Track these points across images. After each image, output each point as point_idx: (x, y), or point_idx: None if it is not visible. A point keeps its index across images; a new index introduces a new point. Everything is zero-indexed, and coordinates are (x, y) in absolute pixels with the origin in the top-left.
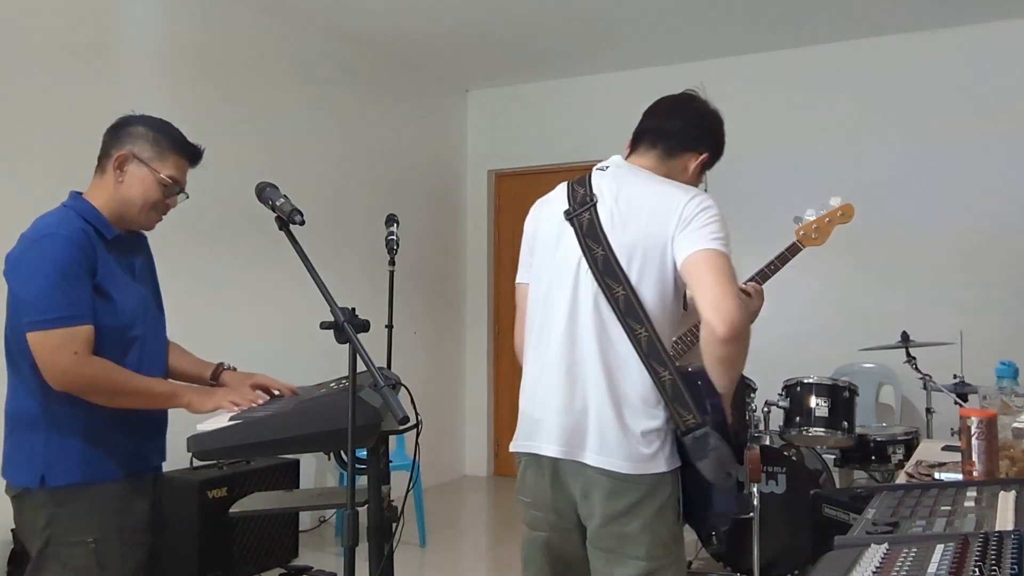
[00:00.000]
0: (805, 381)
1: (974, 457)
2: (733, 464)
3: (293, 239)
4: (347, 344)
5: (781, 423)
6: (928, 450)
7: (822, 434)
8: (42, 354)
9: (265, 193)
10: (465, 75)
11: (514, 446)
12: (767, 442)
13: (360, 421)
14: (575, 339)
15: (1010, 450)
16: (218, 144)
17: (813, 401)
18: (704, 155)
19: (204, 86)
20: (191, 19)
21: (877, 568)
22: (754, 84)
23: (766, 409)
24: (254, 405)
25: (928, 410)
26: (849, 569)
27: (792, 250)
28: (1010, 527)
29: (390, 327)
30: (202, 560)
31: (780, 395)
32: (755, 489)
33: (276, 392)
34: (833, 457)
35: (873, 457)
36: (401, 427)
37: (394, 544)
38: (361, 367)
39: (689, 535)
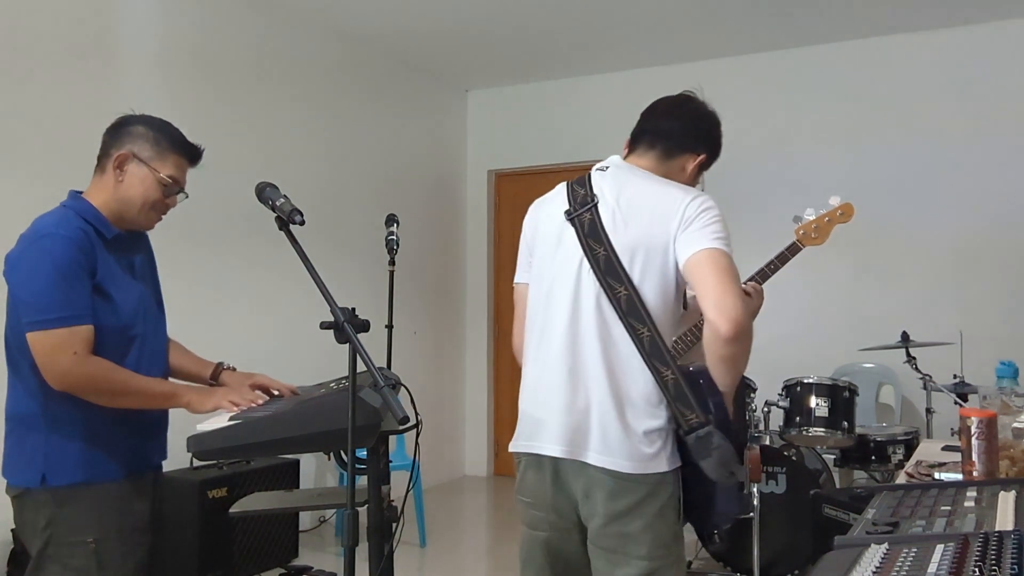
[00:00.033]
0: (805, 381)
1: (974, 457)
2: (736, 463)
3: (293, 239)
4: (347, 344)
5: (781, 423)
6: (928, 450)
7: (822, 434)
8: (42, 354)
9: (265, 193)
10: (465, 75)
11: (514, 446)
12: (767, 442)
13: (360, 421)
14: (577, 339)
15: (1010, 450)
16: (218, 144)
17: (813, 401)
18: (702, 156)
19: (204, 86)
20: (190, 19)
21: (877, 568)
22: (754, 84)
23: (766, 409)
24: (254, 405)
25: (928, 410)
26: (849, 569)
27: (792, 250)
28: (1010, 527)
29: (390, 327)
30: (202, 560)
31: (780, 395)
32: (755, 489)
33: (276, 392)
34: (833, 457)
35: (873, 457)
36: (401, 427)
37: (394, 544)
38: (361, 367)
39: (689, 535)
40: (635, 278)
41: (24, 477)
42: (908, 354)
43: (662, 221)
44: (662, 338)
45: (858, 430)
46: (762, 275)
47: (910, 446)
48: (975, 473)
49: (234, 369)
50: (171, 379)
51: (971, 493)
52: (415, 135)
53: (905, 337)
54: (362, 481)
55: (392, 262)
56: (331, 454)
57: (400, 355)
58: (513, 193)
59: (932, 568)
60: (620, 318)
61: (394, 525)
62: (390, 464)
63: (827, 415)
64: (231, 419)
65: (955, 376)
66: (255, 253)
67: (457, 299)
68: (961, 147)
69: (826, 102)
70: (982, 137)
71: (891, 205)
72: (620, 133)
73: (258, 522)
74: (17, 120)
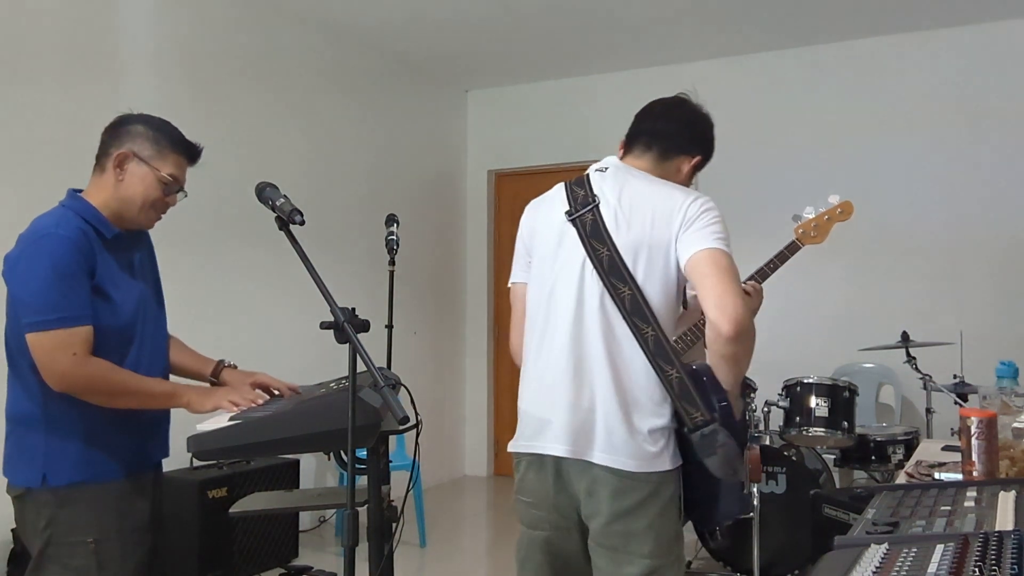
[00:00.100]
0: (805, 381)
1: (974, 457)
2: (740, 461)
3: (293, 239)
4: (347, 344)
5: (781, 423)
6: (928, 450)
7: (822, 434)
8: (41, 355)
9: (265, 193)
10: (465, 75)
11: (515, 446)
12: (767, 442)
13: (360, 421)
14: (581, 339)
15: (1010, 450)
16: (217, 144)
17: (813, 401)
18: (697, 158)
19: (203, 87)
20: (190, 21)
21: (877, 568)
22: (754, 84)
23: (766, 409)
24: (254, 405)
25: (928, 410)
26: (849, 569)
27: (791, 248)
28: (1010, 527)
29: (390, 327)
30: (202, 560)
31: (780, 395)
32: (755, 489)
33: (276, 391)
34: (833, 457)
35: (873, 457)
36: (401, 427)
37: (394, 544)
38: (361, 367)
39: (689, 535)
40: (639, 278)
41: (25, 477)
42: (908, 354)
43: (664, 221)
44: (666, 337)
45: (858, 430)
46: (762, 274)
47: (910, 446)
48: (975, 473)
49: (235, 367)
50: (172, 377)
51: (971, 493)
52: (415, 135)
53: (905, 337)
54: (362, 481)
55: (392, 262)
56: (331, 454)
57: (400, 355)
58: (513, 193)
59: (932, 568)
60: (624, 318)
61: (394, 525)
62: (390, 464)
63: (827, 415)
64: (231, 419)
65: (955, 376)
66: (255, 253)
67: (457, 299)
68: (961, 147)
69: (826, 102)
70: (982, 137)
71: (891, 205)
72: (620, 133)
73: (258, 522)
74: (16, 120)
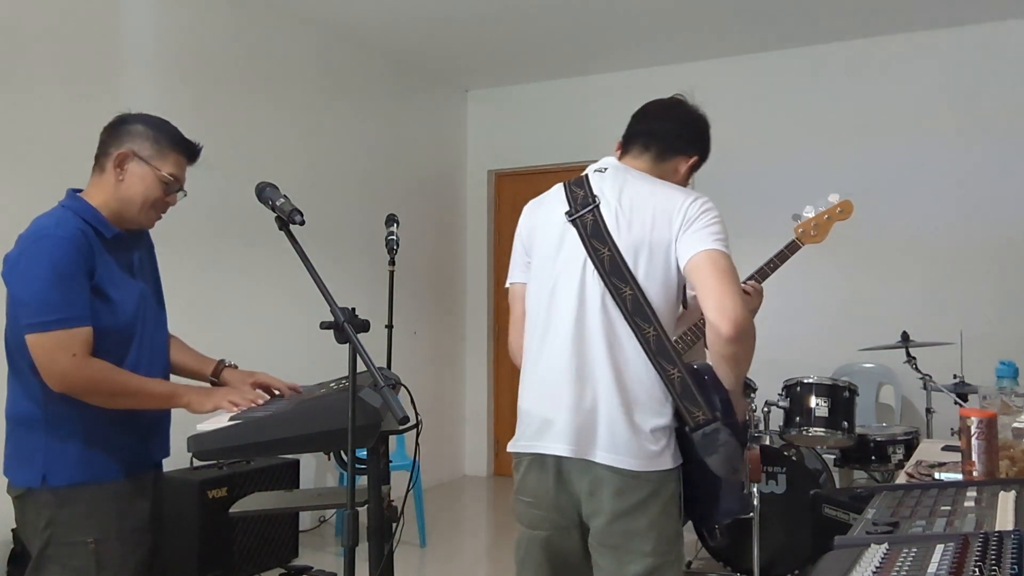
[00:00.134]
0: (805, 381)
1: (974, 457)
2: (741, 459)
3: (293, 239)
4: (347, 344)
5: (781, 423)
6: (928, 450)
7: (822, 434)
8: (41, 356)
9: (265, 193)
10: (465, 75)
11: (516, 446)
12: (767, 442)
13: (360, 421)
14: (583, 339)
15: (1010, 450)
16: (218, 144)
17: (813, 401)
18: (694, 158)
19: (203, 87)
20: (190, 21)
21: (877, 568)
22: (754, 84)
23: (766, 409)
24: (254, 405)
25: (928, 410)
26: (849, 569)
27: (791, 248)
28: (1010, 527)
29: (390, 327)
30: (202, 560)
31: (780, 395)
32: (755, 489)
33: (276, 391)
34: (833, 457)
35: (873, 457)
36: (401, 427)
37: (394, 544)
38: (361, 367)
39: (689, 535)
40: (640, 278)
41: (25, 477)
42: (908, 354)
43: (664, 221)
44: (667, 336)
45: (858, 430)
46: (761, 274)
47: (910, 446)
48: (975, 473)
49: (235, 367)
50: (172, 376)
51: (971, 493)
52: (415, 135)
53: (905, 337)
54: (362, 481)
55: (392, 262)
56: (331, 454)
57: (400, 355)
58: (513, 193)
59: (932, 568)
60: (625, 318)
61: (394, 525)
62: (390, 464)
63: (827, 415)
64: (231, 419)
65: (955, 376)
66: (255, 253)
67: (457, 299)
68: (961, 147)
69: (826, 102)
70: (982, 137)
71: (891, 205)
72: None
73: (258, 522)
74: (16, 120)
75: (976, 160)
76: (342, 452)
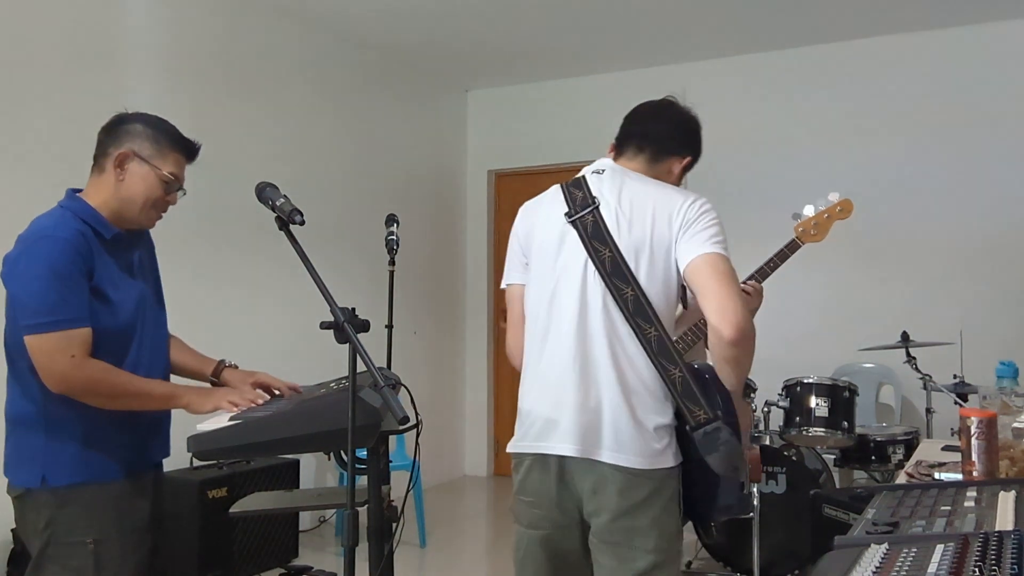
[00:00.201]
0: (805, 381)
1: (974, 457)
2: (741, 458)
3: (293, 239)
4: (347, 344)
5: (781, 423)
6: (928, 450)
7: (822, 434)
8: (39, 357)
9: (265, 193)
10: (465, 75)
11: (517, 447)
12: (767, 442)
13: (360, 421)
14: (586, 340)
15: (1010, 450)
16: (218, 144)
17: (813, 401)
18: (688, 158)
19: (205, 86)
20: (192, 20)
21: (877, 568)
22: (754, 84)
23: (766, 409)
24: (254, 405)
25: (928, 410)
26: (849, 569)
27: (791, 247)
28: (1010, 527)
29: (390, 327)
30: (202, 560)
31: (780, 395)
32: (755, 489)
33: (277, 391)
34: (833, 457)
35: (873, 457)
36: (401, 427)
37: (394, 544)
38: (361, 367)
39: (689, 535)
40: (641, 279)
41: (25, 478)
42: (908, 354)
43: (664, 222)
44: (669, 337)
45: (858, 430)
46: (761, 273)
47: (910, 446)
48: (975, 473)
49: (236, 367)
50: (172, 376)
51: (971, 493)
52: (415, 135)
53: (905, 337)
54: (362, 481)
55: (392, 262)
56: (331, 454)
57: (400, 355)
58: (513, 193)
59: (932, 568)
60: (627, 318)
61: (394, 525)
62: (390, 464)
63: (827, 415)
64: (231, 419)
65: (955, 376)
66: (255, 253)
67: (457, 299)
68: (961, 147)
69: (826, 102)
70: (982, 137)
71: (891, 205)
72: None
73: (258, 522)
74: (17, 120)
75: (976, 160)
76: (342, 452)
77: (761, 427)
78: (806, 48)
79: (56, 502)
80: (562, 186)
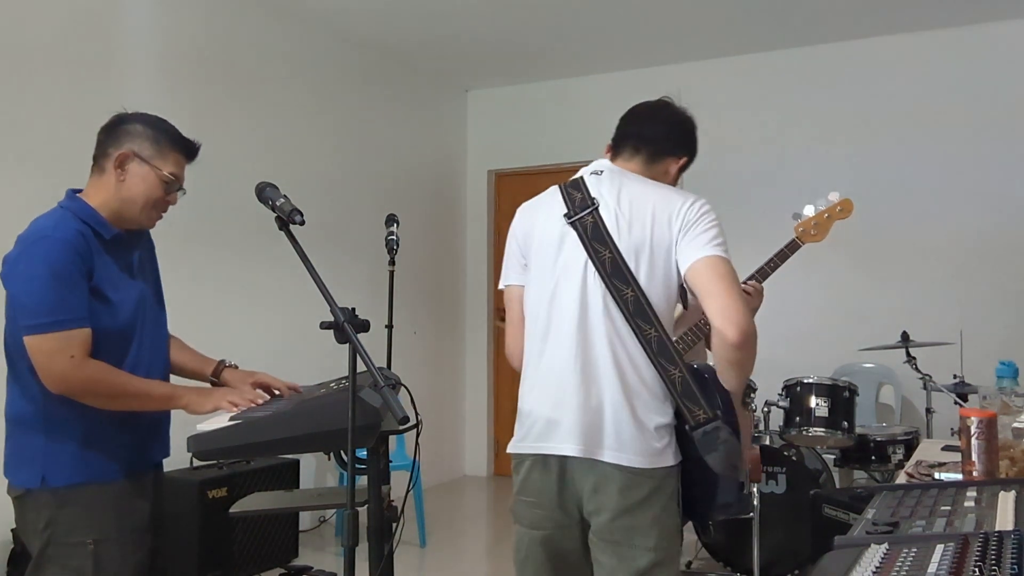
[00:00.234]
0: (805, 381)
1: (974, 457)
2: (740, 457)
3: (293, 239)
4: (347, 344)
5: (781, 423)
6: (928, 450)
7: (822, 434)
8: (39, 358)
9: (265, 193)
10: (465, 75)
11: (518, 447)
12: (767, 442)
13: (360, 421)
14: (587, 340)
15: (1010, 450)
16: (219, 144)
17: (813, 401)
18: (684, 159)
19: (204, 86)
20: (192, 20)
21: (877, 568)
22: (755, 84)
23: (766, 409)
24: (253, 405)
25: (928, 410)
26: (849, 569)
27: (791, 247)
28: (1010, 527)
29: (390, 327)
30: (202, 560)
31: (780, 395)
32: (755, 489)
33: (276, 391)
34: (833, 457)
35: (873, 457)
36: (401, 427)
37: (394, 544)
38: (361, 367)
39: (689, 535)
40: (641, 280)
41: (24, 478)
42: (908, 354)
43: (663, 223)
44: (668, 337)
45: (858, 430)
46: (762, 273)
47: (910, 446)
48: (975, 473)
49: (235, 367)
50: (172, 376)
51: (971, 493)
52: (415, 135)
53: (905, 337)
54: (362, 481)
55: (392, 262)
56: (331, 454)
57: (400, 355)
58: (513, 193)
59: (932, 568)
60: (627, 319)
61: (394, 525)
62: (390, 464)
63: (827, 415)
64: (231, 419)
65: (955, 376)
66: (256, 253)
67: (457, 299)
68: (961, 147)
69: (826, 102)
70: (982, 137)
71: (891, 205)
72: None
73: (258, 522)
74: (16, 120)
75: (976, 160)
76: (342, 452)
77: (761, 427)
78: (806, 48)
79: (56, 502)
80: (560, 187)
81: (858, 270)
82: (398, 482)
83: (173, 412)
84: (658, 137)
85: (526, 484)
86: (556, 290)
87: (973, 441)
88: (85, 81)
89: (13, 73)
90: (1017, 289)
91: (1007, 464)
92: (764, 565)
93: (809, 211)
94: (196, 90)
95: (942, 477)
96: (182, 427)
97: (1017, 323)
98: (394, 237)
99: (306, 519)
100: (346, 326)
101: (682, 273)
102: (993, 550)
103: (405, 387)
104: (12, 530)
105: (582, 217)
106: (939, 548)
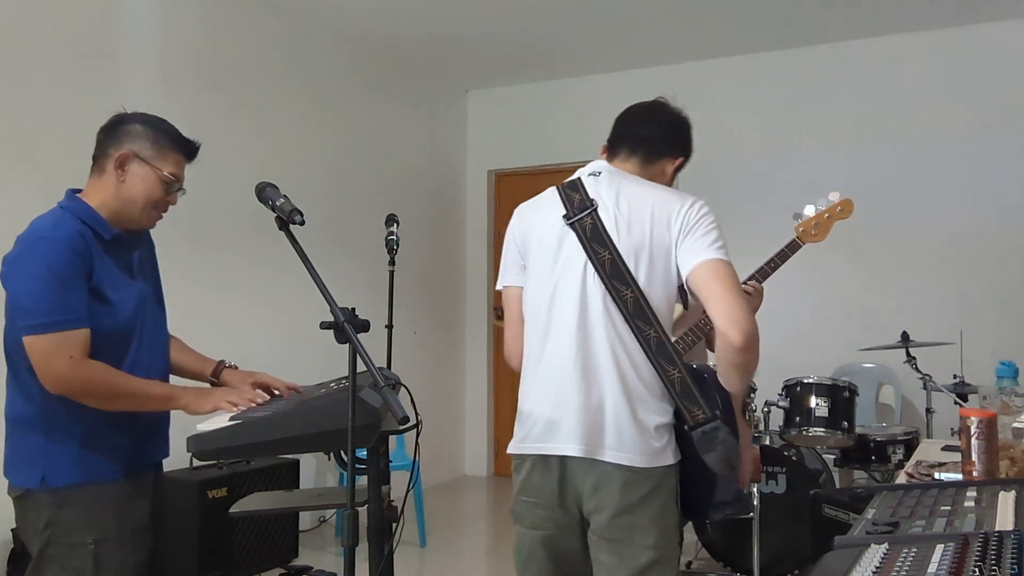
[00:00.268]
0: (805, 381)
1: (974, 457)
2: (738, 456)
3: (293, 239)
4: (347, 344)
5: (781, 423)
6: (928, 450)
7: (822, 434)
8: (38, 358)
9: (265, 193)
10: (465, 75)
11: (519, 448)
12: (767, 442)
13: (360, 421)
14: (587, 340)
15: (1010, 450)
16: (219, 144)
17: (813, 401)
18: (679, 159)
19: (204, 86)
20: (191, 20)
21: (877, 568)
22: (755, 84)
23: (766, 409)
24: (253, 405)
25: (928, 410)
26: (849, 569)
27: (792, 247)
28: (1010, 527)
29: (390, 327)
30: (202, 560)
31: (780, 395)
32: (755, 489)
33: (276, 391)
34: (833, 457)
35: (873, 457)
36: (401, 427)
37: (394, 544)
38: (361, 367)
39: (689, 535)
40: (640, 281)
41: (24, 478)
42: (908, 354)
43: (663, 225)
44: (668, 337)
45: (858, 430)
46: (762, 273)
47: (910, 446)
48: (975, 473)
49: (235, 367)
50: (172, 377)
51: (971, 493)
52: (415, 135)
53: (905, 337)
54: (362, 481)
55: (392, 262)
56: (331, 454)
57: (400, 355)
58: (513, 193)
59: (932, 568)
60: (626, 319)
61: (394, 525)
62: (390, 464)
63: (827, 415)
64: (231, 419)
65: (955, 376)
66: (256, 253)
67: (457, 299)
68: (961, 147)
69: (826, 102)
70: (982, 137)
71: (891, 205)
72: None
73: (258, 522)
74: (16, 121)
75: (976, 160)
76: (342, 452)
77: (761, 427)
78: (806, 48)
79: (56, 502)
80: (558, 188)
81: (858, 270)
82: (398, 482)
83: (173, 412)
84: (654, 138)
85: (527, 484)
86: (556, 291)
87: (973, 441)
88: (85, 81)
89: (13, 73)
90: (1017, 289)
91: (1007, 464)
92: (764, 565)
93: (809, 211)
94: (196, 90)
95: (942, 477)
96: (182, 427)
97: (1017, 323)
98: (394, 237)
99: (306, 519)
100: (346, 326)
101: (683, 276)
102: (993, 550)
103: (405, 387)
104: (12, 530)
105: (581, 218)
106: (939, 548)
